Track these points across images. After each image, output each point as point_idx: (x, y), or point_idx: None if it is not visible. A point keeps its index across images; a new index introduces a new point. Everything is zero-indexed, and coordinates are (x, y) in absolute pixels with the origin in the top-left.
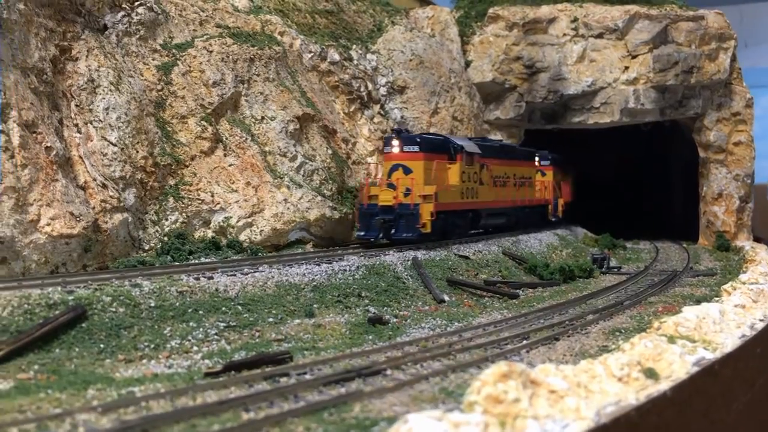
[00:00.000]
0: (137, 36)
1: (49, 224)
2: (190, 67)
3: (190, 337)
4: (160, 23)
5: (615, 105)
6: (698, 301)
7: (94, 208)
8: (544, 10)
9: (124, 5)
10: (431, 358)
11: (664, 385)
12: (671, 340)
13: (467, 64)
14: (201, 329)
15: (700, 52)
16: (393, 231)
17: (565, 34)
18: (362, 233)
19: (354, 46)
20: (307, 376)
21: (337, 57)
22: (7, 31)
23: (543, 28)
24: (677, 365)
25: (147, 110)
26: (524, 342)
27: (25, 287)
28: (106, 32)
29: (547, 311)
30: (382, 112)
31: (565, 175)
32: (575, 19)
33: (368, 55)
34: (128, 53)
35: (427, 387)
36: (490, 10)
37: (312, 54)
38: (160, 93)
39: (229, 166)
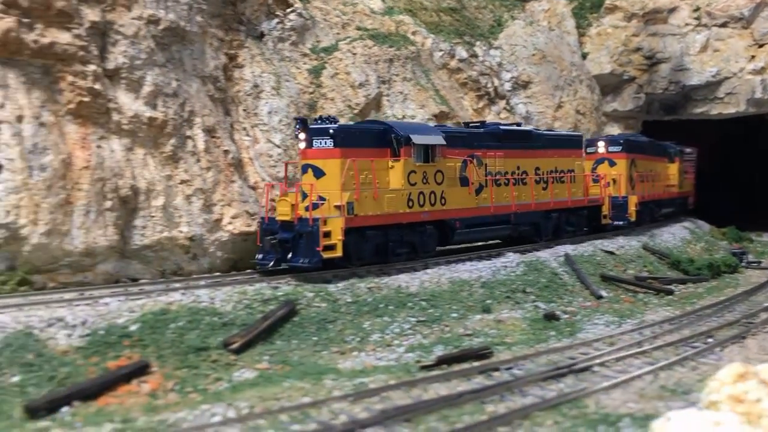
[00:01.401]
0: (290, 41)
1: (230, 222)
2: (337, 69)
3: (388, 331)
4: (308, 28)
5: (740, 95)
6: None
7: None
8: (664, 0)
9: (277, 12)
10: (630, 356)
11: None
12: None
13: (584, 56)
14: (395, 324)
15: None
16: (290, 255)
17: (686, 24)
18: (260, 256)
19: (478, 43)
20: (516, 371)
21: (464, 54)
22: (188, 42)
23: (663, 17)
24: None
25: (302, 112)
26: (710, 340)
27: (231, 283)
28: (263, 39)
29: (715, 308)
30: (507, 107)
31: (662, 165)
32: (697, 8)
33: (491, 51)
34: (283, 58)
35: (643, 384)
36: (608, 1)
37: (442, 52)
38: (312, 95)
39: None
